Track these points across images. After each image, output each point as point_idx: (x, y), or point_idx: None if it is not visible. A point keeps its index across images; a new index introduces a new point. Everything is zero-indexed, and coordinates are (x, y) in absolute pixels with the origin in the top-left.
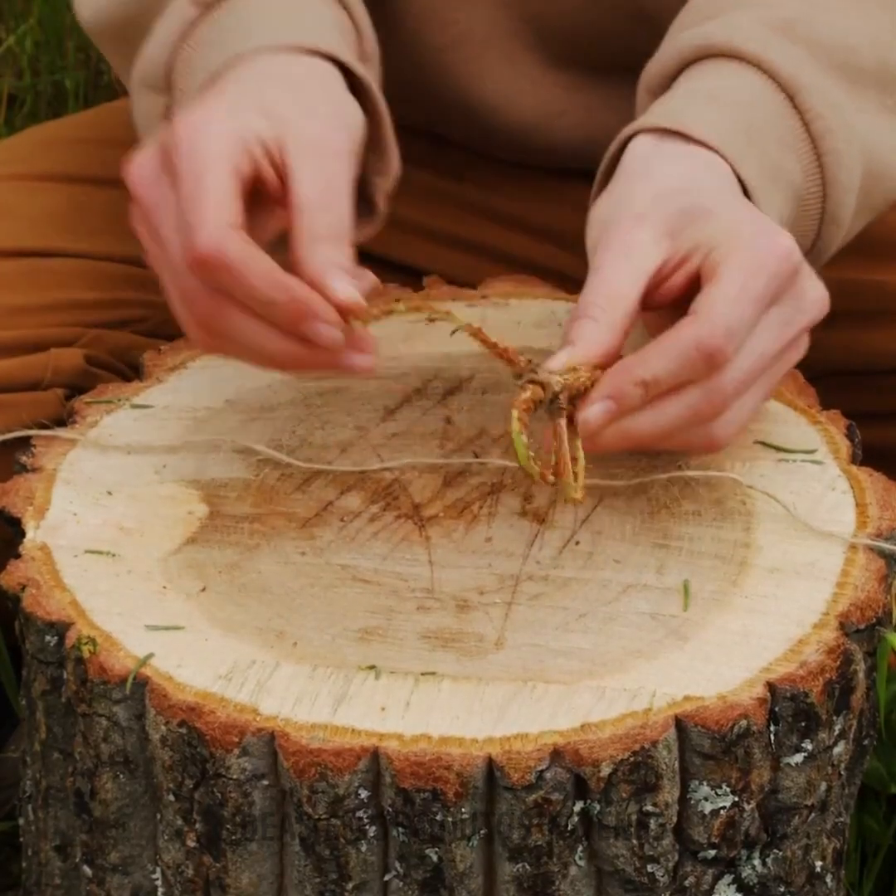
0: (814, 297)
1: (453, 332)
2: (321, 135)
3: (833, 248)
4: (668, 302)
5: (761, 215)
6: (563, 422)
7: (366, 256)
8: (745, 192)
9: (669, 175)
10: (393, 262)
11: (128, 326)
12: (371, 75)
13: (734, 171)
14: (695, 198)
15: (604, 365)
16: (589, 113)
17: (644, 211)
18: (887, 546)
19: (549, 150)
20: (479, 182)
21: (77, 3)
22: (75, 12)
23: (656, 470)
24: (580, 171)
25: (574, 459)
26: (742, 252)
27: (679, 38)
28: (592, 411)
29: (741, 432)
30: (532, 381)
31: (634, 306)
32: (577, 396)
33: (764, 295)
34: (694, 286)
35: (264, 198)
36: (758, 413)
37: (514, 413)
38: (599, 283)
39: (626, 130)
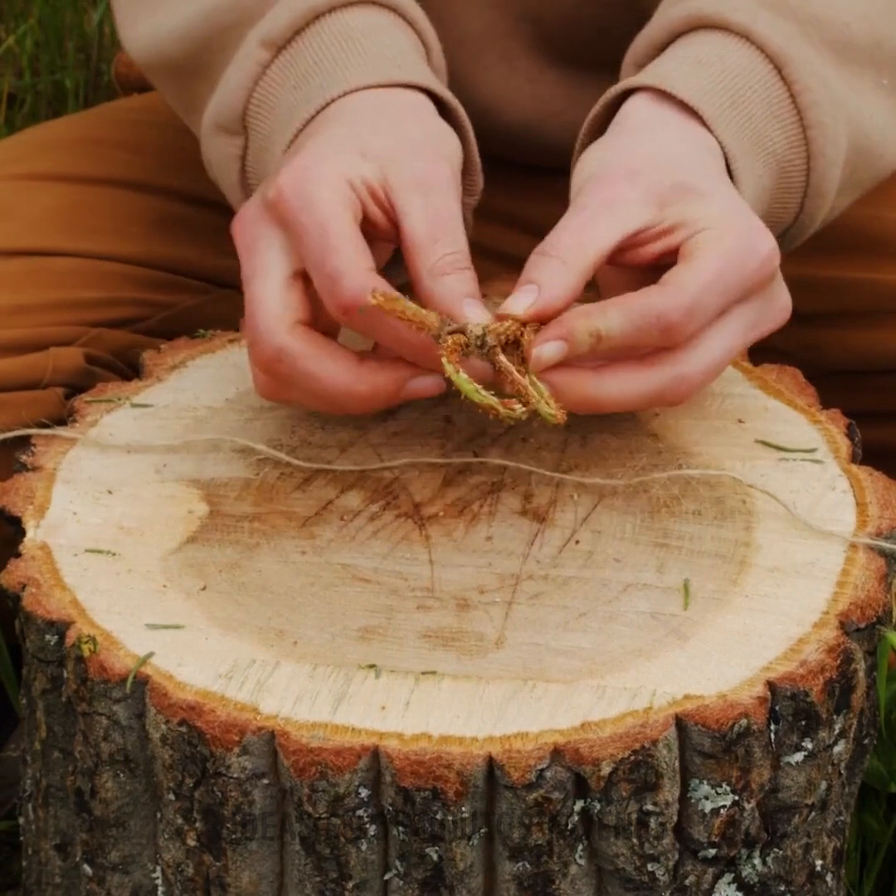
0: (781, 305)
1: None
2: (424, 169)
3: (816, 222)
4: (633, 264)
5: (752, 213)
6: (501, 357)
7: None
8: (725, 158)
9: (669, 142)
10: None
11: (127, 325)
12: (451, 93)
13: (713, 135)
14: (691, 176)
15: (546, 317)
16: (587, 112)
17: (639, 170)
18: (887, 545)
19: (547, 149)
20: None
21: (127, 39)
22: (124, 46)
23: (656, 469)
24: None
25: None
26: (727, 242)
27: (669, 11)
28: (546, 348)
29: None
30: (452, 332)
31: (603, 259)
32: (508, 345)
33: (735, 290)
34: (667, 259)
35: (369, 236)
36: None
37: (443, 358)
38: (577, 225)
39: (613, 89)
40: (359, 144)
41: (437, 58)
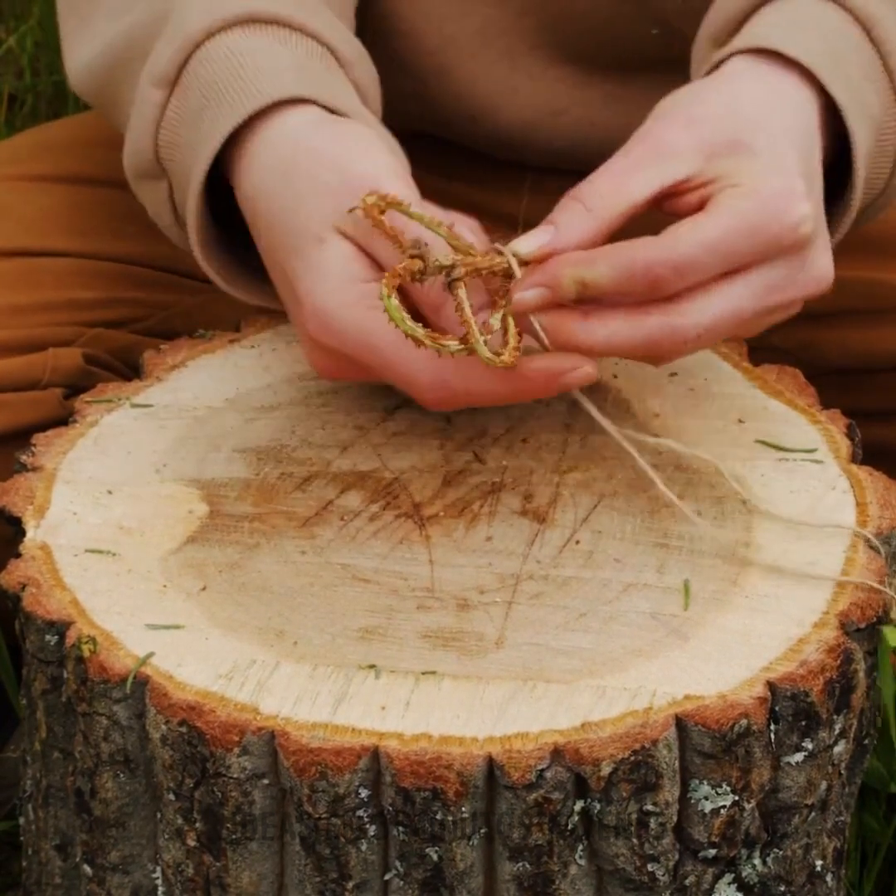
0: (816, 275)
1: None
2: (384, 169)
3: None
4: (671, 214)
5: (795, 175)
6: (460, 291)
7: None
8: (836, 116)
9: (750, 91)
10: None
11: (126, 326)
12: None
13: (827, 91)
14: (750, 131)
15: (541, 258)
16: (589, 111)
17: (699, 118)
18: (873, 539)
19: (550, 150)
20: (475, 182)
21: (67, 69)
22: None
23: (656, 469)
24: (580, 172)
25: (505, 330)
26: (749, 202)
27: None
28: (527, 293)
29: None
30: (412, 256)
31: (636, 208)
32: (476, 273)
33: (747, 251)
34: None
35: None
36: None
37: (383, 280)
38: (617, 170)
39: (718, 55)
40: (321, 221)
41: (346, 51)
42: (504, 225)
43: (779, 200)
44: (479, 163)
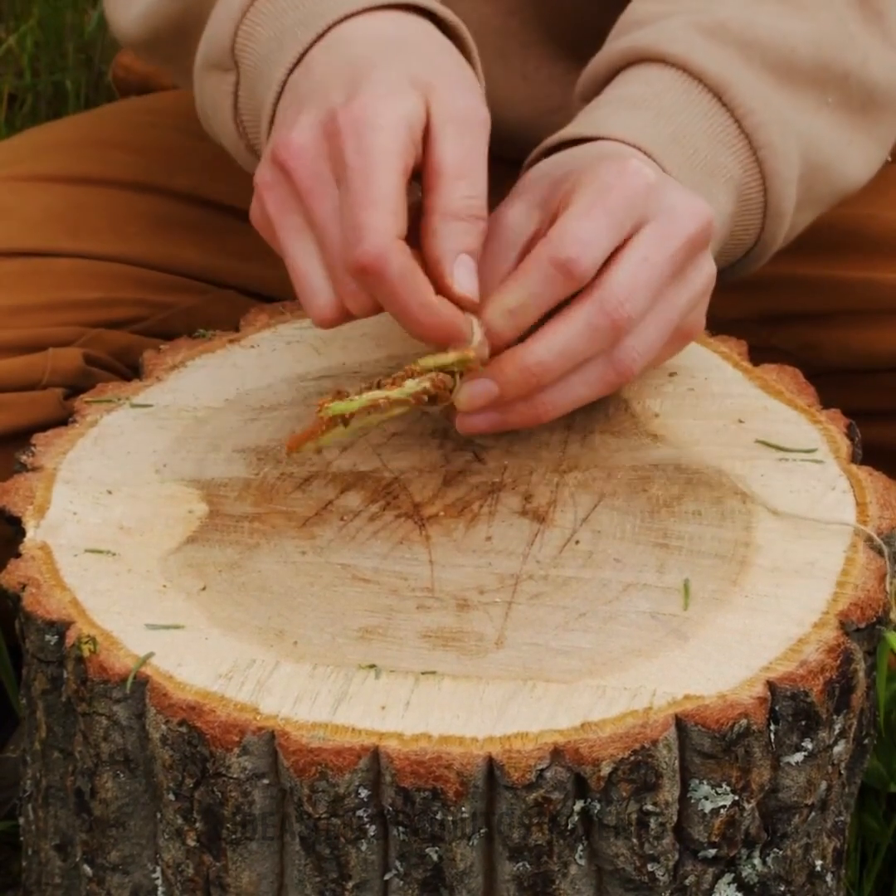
0: (687, 209)
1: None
2: (466, 105)
3: (779, 241)
4: None
5: (620, 151)
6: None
7: None
8: None
9: (558, 160)
10: None
11: (126, 326)
12: (452, 13)
13: (660, 166)
14: (566, 167)
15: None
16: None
17: (519, 190)
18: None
19: (537, 140)
20: None
21: (122, 25)
22: (120, 33)
23: (656, 469)
24: None
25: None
26: (588, 180)
27: (610, 46)
28: (466, 391)
29: (650, 361)
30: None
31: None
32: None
33: (616, 209)
34: None
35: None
36: (671, 346)
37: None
38: (484, 262)
39: (549, 141)
40: (408, 74)
41: None
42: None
43: (610, 164)
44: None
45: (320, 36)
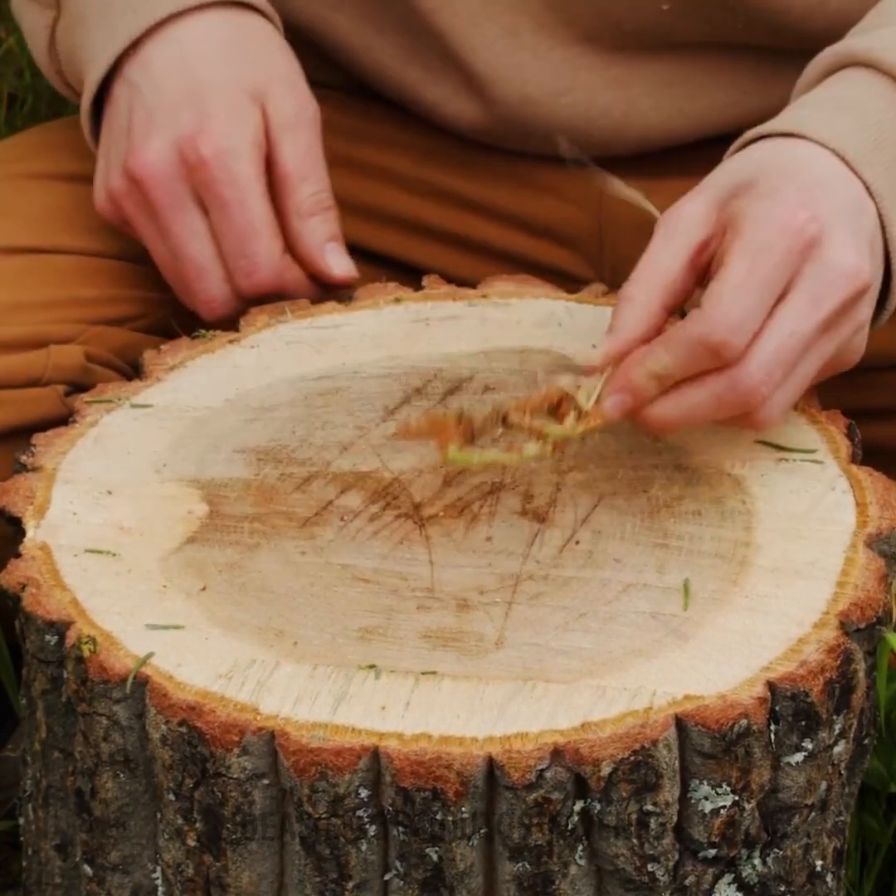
0: (842, 271)
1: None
2: (297, 104)
3: None
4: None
5: (798, 184)
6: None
7: (360, 253)
8: (873, 201)
9: (762, 152)
10: (387, 257)
11: (127, 323)
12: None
13: (856, 174)
14: (752, 172)
15: (620, 358)
16: (591, 93)
17: (705, 185)
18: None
19: (547, 128)
20: (454, 166)
21: None
22: None
23: (656, 469)
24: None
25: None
26: (749, 234)
27: (826, 50)
28: (609, 403)
29: (788, 410)
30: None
31: (674, 280)
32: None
33: (773, 277)
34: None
35: None
36: (817, 379)
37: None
38: (643, 261)
39: (749, 133)
40: (244, 84)
41: None
42: (507, 224)
43: (779, 210)
44: (462, 147)
45: (152, 29)
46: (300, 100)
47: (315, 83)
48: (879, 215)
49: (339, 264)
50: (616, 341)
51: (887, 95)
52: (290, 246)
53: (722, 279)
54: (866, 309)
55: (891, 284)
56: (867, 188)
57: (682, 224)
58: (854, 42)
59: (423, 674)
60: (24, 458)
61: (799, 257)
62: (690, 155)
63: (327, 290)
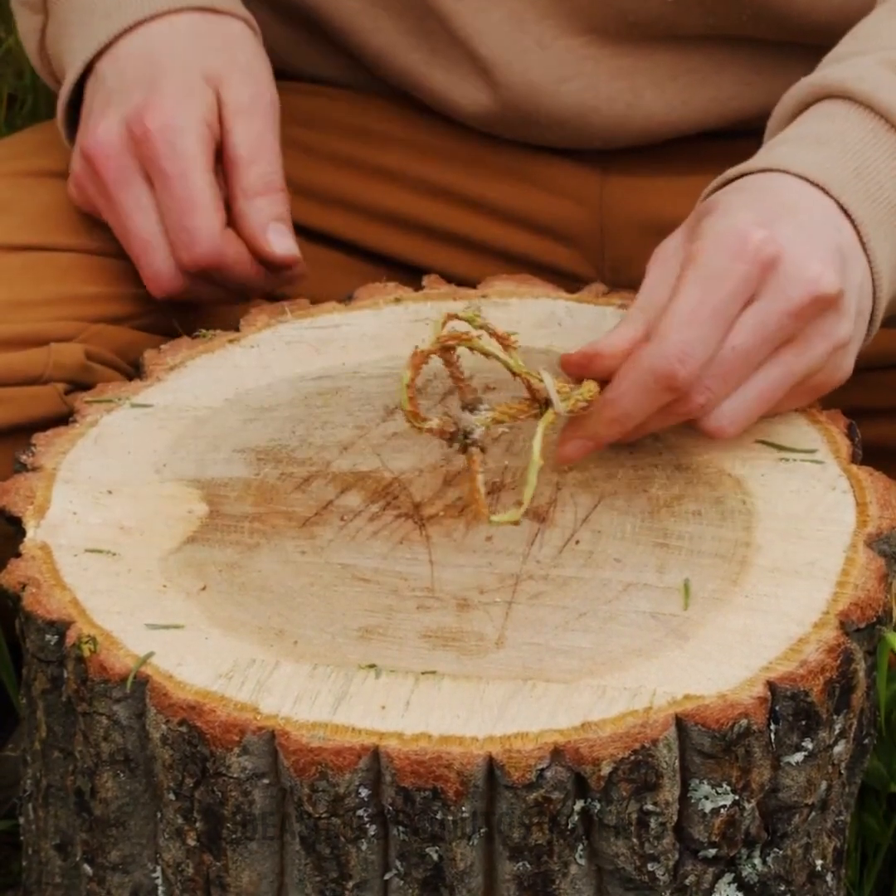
0: (798, 278)
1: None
2: (254, 90)
3: None
4: None
5: (759, 206)
6: (475, 458)
7: (361, 252)
8: (854, 227)
9: (727, 189)
10: (387, 257)
11: (127, 321)
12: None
13: (839, 204)
14: (718, 198)
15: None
16: (594, 82)
17: (689, 219)
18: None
19: (547, 117)
20: (448, 158)
21: None
22: None
23: (656, 468)
24: (579, 151)
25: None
26: (702, 260)
27: (801, 81)
28: (570, 447)
29: (746, 424)
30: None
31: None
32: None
33: (726, 304)
34: None
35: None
36: (795, 400)
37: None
38: (640, 291)
39: (729, 173)
40: (200, 67)
41: None
42: (481, 213)
43: (730, 239)
44: (463, 145)
45: (125, 31)
46: (259, 87)
47: (317, 80)
48: (861, 241)
49: (281, 244)
50: (606, 345)
51: (865, 125)
52: (236, 225)
53: (670, 310)
54: (844, 325)
55: (876, 305)
56: (848, 215)
57: (664, 255)
58: (828, 72)
59: (423, 673)
60: (24, 458)
61: (755, 282)
62: (691, 149)
63: (272, 271)
